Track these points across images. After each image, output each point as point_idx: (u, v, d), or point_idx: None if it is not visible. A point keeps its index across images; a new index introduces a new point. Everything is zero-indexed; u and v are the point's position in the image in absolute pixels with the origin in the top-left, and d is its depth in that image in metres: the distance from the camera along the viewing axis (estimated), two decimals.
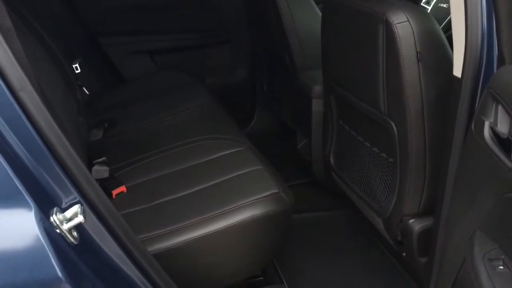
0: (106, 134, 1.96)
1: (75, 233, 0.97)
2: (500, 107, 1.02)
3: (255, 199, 1.45)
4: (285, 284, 1.69)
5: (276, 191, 1.49)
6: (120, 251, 1.08)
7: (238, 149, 1.72)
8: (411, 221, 1.51)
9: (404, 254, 1.63)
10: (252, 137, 1.93)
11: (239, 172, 1.58)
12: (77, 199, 1.00)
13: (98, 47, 2.55)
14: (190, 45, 2.65)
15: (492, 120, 1.04)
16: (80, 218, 0.96)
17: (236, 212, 1.43)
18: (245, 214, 1.42)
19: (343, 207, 2.05)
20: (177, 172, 1.66)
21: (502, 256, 0.94)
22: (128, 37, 2.58)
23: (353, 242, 1.89)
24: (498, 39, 1.12)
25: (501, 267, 0.92)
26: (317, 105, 1.96)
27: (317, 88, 1.96)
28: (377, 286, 1.68)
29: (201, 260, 1.42)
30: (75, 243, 0.96)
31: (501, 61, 1.12)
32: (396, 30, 1.35)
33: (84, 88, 2.23)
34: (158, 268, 1.19)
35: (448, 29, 1.36)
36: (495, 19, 1.13)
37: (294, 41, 2.14)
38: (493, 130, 1.03)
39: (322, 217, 2.05)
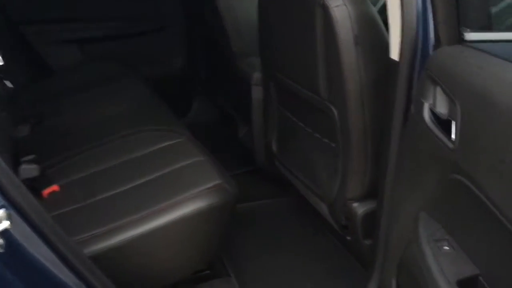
0: (34, 130, 1.83)
1: (0, 241, 0.88)
2: (438, 89, 1.03)
3: (198, 192, 1.40)
4: (232, 276, 1.65)
5: (219, 182, 1.44)
6: (52, 256, 1.01)
7: (177, 140, 1.66)
8: (355, 204, 1.51)
9: (349, 238, 1.64)
10: (191, 127, 1.87)
11: (180, 165, 1.52)
12: (1, 203, 0.91)
13: (21, 37, 2.39)
14: (122, 33, 2.53)
15: (431, 102, 1.05)
16: (5, 224, 0.88)
17: (178, 206, 1.37)
18: (188, 207, 1.37)
19: (287, 194, 2.04)
20: (114, 167, 1.58)
21: (447, 237, 0.95)
22: (54, 25, 2.43)
23: (298, 229, 1.89)
24: (434, 21, 1.12)
25: (446, 248, 0.93)
26: (257, 92, 1.93)
27: (257, 75, 1.93)
28: (324, 271, 1.68)
29: (144, 258, 1.35)
30: (1, 251, 0.88)
31: (438, 43, 1.12)
32: (333, 13, 1.33)
33: (7, 81, 2.07)
34: (95, 270, 1.12)
35: (384, 11, 1.36)
36: (431, 0, 1.13)
37: (230, 26, 2.09)
38: (432, 112, 1.04)
39: (266, 205, 2.03)
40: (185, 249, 1.42)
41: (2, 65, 2.06)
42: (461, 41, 1.09)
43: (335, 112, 1.47)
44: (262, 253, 1.77)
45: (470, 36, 1.10)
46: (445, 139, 0.94)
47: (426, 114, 1.04)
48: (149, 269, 1.38)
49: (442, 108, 1.00)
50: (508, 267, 0.79)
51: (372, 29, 1.39)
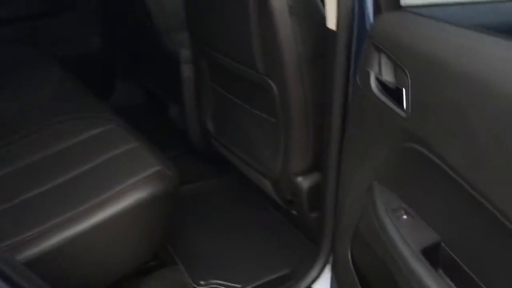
0: None
1: None
2: (383, 57, 1.01)
3: (137, 181, 1.31)
4: (179, 263, 1.59)
5: (159, 168, 1.36)
6: None
7: (106, 127, 1.55)
8: (299, 179, 1.49)
9: (294, 212, 1.62)
10: (116, 111, 1.75)
11: (113, 153, 1.42)
12: None
13: None
14: (30, 14, 2.32)
15: (377, 70, 1.03)
16: None
17: (117, 199, 1.28)
18: (127, 199, 1.28)
19: (226, 173, 1.99)
20: (39, 161, 1.44)
21: (404, 206, 0.95)
22: None
23: (242, 208, 1.85)
24: None
25: (405, 217, 0.93)
26: (187, 71, 1.83)
27: (185, 52, 1.83)
28: (272, 248, 1.66)
29: (85, 257, 1.25)
30: None
31: (378, 10, 1.10)
32: None
33: None
34: (30, 277, 1.02)
35: None
36: None
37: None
38: (379, 80, 1.02)
39: (206, 186, 1.97)
40: (129, 243, 1.34)
41: None
42: (400, 7, 1.08)
43: (274, 86, 1.43)
44: (208, 236, 1.71)
45: (407, 1, 1.09)
46: (395, 108, 0.93)
47: (373, 83, 1.02)
48: (92, 268, 1.28)
49: (389, 76, 0.98)
50: (470, 230, 0.80)
51: None
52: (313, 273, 1.49)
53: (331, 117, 1.33)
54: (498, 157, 0.70)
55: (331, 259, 1.48)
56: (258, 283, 1.55)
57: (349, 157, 1.14)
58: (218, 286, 1.55)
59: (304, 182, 1.49)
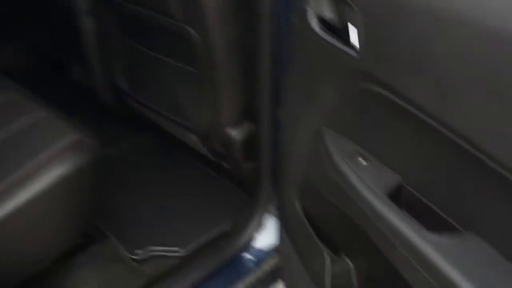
0: None
1: None
2: None
3: (55, 154, 1.15)
4: (111, 236, 1.47)
5: (77, 136, 1.21)
6: None
7: (5, 95, 1.34)
8: (231, 130, 1.42)
9: (227, 166, 1.56)
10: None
11: (21, 125, 1.23)
12: None
13: None
14: None
15: (317, 8, 0.95)
16: None
17: (32, 178, 1.11)
18: (46, 177, 1.12)
19: (144, 133, 1.86)
20: None
21: (359, 150, 0.91)
22: None
23: (169, 168, 1.74)
24: None
25: (363, 161, 0.89)
26: (89, 24, 1.63)
27: (83, 2, 1.62)
28: (207, 206, 1.60)
29: (7, 246, 1.10)
30: None
31: None
32: None
33: None
34: None
35: None
36: None
37: None
38: (320, 19, 0.95)
39: (124, 149, 1.83)
40: (51, 227, 1.19)
41: None
42: None
43: (194, 33, 1.31)
44: (136, 202, 1.60)
45: None
46: (346, 48, 0.86)
47: (313, 23, 0.95)
48: (17, 256, 1.13)
49: (333, 14, 0.92)
50: (437, 168, 0.78)
51: None
52: (254, 224, 1.46)
53: (260, 62, 1.26)
54: (470, 89, 0.67)
55: (271, 208, 1.45)
56: (198, 242, 1.49)
57: (293, 103, 1.08)
58: (157, 253, 1.47)
59: (236, 133, 1.42)
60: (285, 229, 1.25)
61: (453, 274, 0.71)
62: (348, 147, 0.92)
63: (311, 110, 0.99)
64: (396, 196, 0.84)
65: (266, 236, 1.45)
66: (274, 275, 1.48)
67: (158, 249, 1.47)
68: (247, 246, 1.44)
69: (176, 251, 1.47)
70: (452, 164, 0.75)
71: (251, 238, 1.44)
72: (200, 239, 1.50)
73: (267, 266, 1.45)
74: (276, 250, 1.42)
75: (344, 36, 0.89)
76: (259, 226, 1.45)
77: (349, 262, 1.05)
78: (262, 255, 1.43)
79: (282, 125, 1.21)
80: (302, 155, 1.08)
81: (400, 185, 0.84)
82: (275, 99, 1.27)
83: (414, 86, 0.75)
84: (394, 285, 0.91)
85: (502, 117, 0.64)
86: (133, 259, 1.44)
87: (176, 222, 1.54)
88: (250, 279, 1.42)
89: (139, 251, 1.46)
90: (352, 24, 0.85)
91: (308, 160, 1.06)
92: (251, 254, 1.43)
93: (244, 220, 1.47)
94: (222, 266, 1.40)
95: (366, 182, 0.85)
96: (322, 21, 0.94)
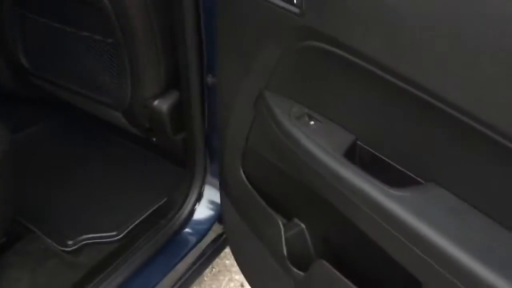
0: None
1: None
2: None
3: None
4: (37, 231, 1.34)
5: None
6: None
7: None
8: (156, 102, 1.33)
9: (154, 139, 1.47)
10: None
11: None
12: None
13: None
14: None
15: None
16: None
17: None
18: None
19: (57, 114, 1.70)
20: None
21: (306, 111, 0.88)
22: None
23: (91, 149, 1.61)
24: None
25: (312, 122, 0.86)
26: None
27: None
28: (140, 184, 1.51)
29: None
30: None
31: None
32: None
33: None
34: None
35: None
36: None
37: None
38: None
39: (37, 133, 1.66)
40: None
41: None
42: None
43: (107, 1, 1.18)
44: (59, 191, 1.47)
45: None
46: (285, 4, 0.81)
47: None
48: None
49: None
50: (388, 120, 0.77)
51: None
52: (193, 197, 1.40)
53: (184, 25, 1.17)
54: (427, 38, 0.65)
55: (209, 178, 1.40)
56: (134, 223, 1.40)
57: (228, 68, 1.01)
58: (90, 241, 1.36)
59: (162, 104, 1.33)
60: (228, 198, 1.20)
61: (420, 226, 0.71)
62: (295, 109, 0.89)
63: (250, 74, 0.94)
64: (352, 155, 0.82)
65: (207, 207, 1.40)
66: (219, 246, 1.45)
67: (91, 237, 1.37)
68: (188, 221, 1.38)
69: (111, 236, 1.37)
70: (409, 116, 0.74)
71: (190, 212, 1.39)
72: (136, 220, 1.41)
73: (211, 238, 1.41)
74: (219, 221, 1.38)
75: None
76: (198, 198, 1.39)
77: (303, 225, 1.03)
78: (205, 228, 1.39)
79: (214, 92, 1.15)
80: (242, 122, 1.03)
81: (354, 144, 0.83)
82: (203, 65, 1.20)
83: (364, 39, 0.72)
84: (353, 242, 0.91)
85: (461, 64, 0.63)
86: (65, 251, 1.33)
87: (107, 206, 1.44)
88: (194, 254, 1.37)
89: (70, 242, 1.35)
90: None
91: (249, 127, 1.01)
92: (192, 229, 1.38)
93: (181, 194, 1.40)
94: (164, 245, 1.34)
95: (320, 143, 0.82)
96: None
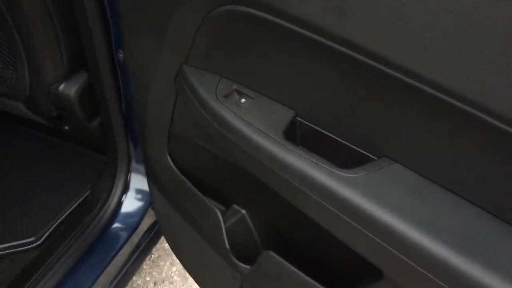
0: None
1: None
2: None
3: None
4: None
5: None
6: None
7: None
8: (62, 86, 1.15)
9: (66, 127, 1.30)
10: None
11: None
12: None
13: None
14: None
15: None
16: None
17: None
18: None
19: None
20: None
21: (235, 87, 0.76)
22: None
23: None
24: None
25: (244, 100, 0.74)
26: None
27: None
28: (58, 177, 1.34)
29: None
30: None
31: None
32: None
33: None
34: None
35: None
36: None
37: None
38: None
39: None
40: None
41: None
42: None
43: None
44: None
45: None
46: None
47: None
48: None
49: None
50: (331, 89, 0.67)
51: None
52: (118, 188, 1.26)
53: (84, 5, 1.00)
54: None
55: (134, 165, 1.26)
56: (54, 225, 1.25)
57: (136, 42, 0.86)
58: (6, 251, 1.20)
59: (69, 88, 1.16)
60: (157, 187, 1.08)
61: (376, 210, 0.62)
62: (222, 86, 0.76)
63: (165, 47, 0.80)
64: (292, 134, 0.72)
65: (135, 198, 1.26)
66: (156, 234, 1.33)
67: (7, 246, 1.20)
68: (116, 215, 1.24)
69: (28, 243, 1.21)
70: (354, 84, 0.64)
71: (118, 205, 1.25)
72: (56, 220, 1.26)
73: (145, 227, 1.28)
74: (152, 208, 1.25)
75: None
76: (124, 189, 1.25)
77: (243, 211, 0.93)
78: (135, 220, 1.25)
79: (127, 71, 1.00)
80: (162, 102, 0.89)
81: (294, 120, 0.72)
82: (110, 39, 1.04)
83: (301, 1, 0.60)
84: (303, 227, 0.82)
85: (409, 21, 0.54)
86: None
87: (19, 208, 1.27)
88: (127, 249, 1.24)
89: None
90: None
91: (172, 107, 0.88)
92: (122, 223, 1.25)
93: (105, 187, 1.26)
94: (91, 245, 1.20)
95: (254, 123, 0.70)
96: None
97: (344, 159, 0.67)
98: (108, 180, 1.25)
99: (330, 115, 0.69)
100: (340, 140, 0.69)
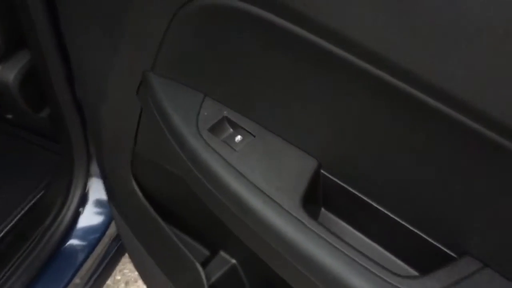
0: None
1: None
2: None
3: None
4: None
5: None
6: None
7: None
8: None
9: (9, 116, 1.03)
10: None
11: None
12: None
13: None
14: None
15: None
16: None
17: None
18: None
19: None
20: None
21: (225, 113, 0.49)
22: None
23: None
24: None
25: (239, 138, 0.48)
26: None
27: None
28: (7, 176, 1.07)
29: None
30: None
31: None
32: None
33: None
34: None
35: None
36: None
37: None
38: None
39: None
40: None
41: None
42: None
43: None
44: None
45: None
46: None
47: None
48: None
49: None
50: (371, 130, 0.41)
51: None
52: (75, 196, 1.01)
53: None
54: None
55: (95, 168, 1.00)
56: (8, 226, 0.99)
57: (87, 42, 0.59)
58: None
59: (7, 72, 0.88)
60: (119, 213, 0.83)
61: None
62: (206, 111, 0.50)
63: (123, 49, 0.53)
64: (312, 192, 0.46)
65: (95, 209, 1.01)
66: (117, 252, 1.08)
67: None
68: (71, 230, 1.00)
69: None
70: (411, 131, 0.38)
71: (74, 217, 1.00)
72: (9, 222, 1.00)
73: (105, 246, 1.04)
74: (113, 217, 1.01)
75: None
76: (82, 198, 1.00)
77: (233, 260, 0.69)
78: (95, 237, 1.01)
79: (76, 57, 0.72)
80: (122, 118, 0.63)
81: (317, 174, 0.46)
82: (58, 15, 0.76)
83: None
84: None
85: None
86: None
87: None
88: (84, 272, 1.00)
89: None
90: None
91: (136, 125, 0.61)
92: (79, 238, 1.00)
93: (59, 193, 1.00)
94: (41, 269, 0.96)
95: (257, 181, 0.45)
96: None
97: (386, 235, 0.43)
98: (63, 186, 1.00)
99: (374, 170, 0.43)
100: (380, 207, 0.44)
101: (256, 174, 0.45)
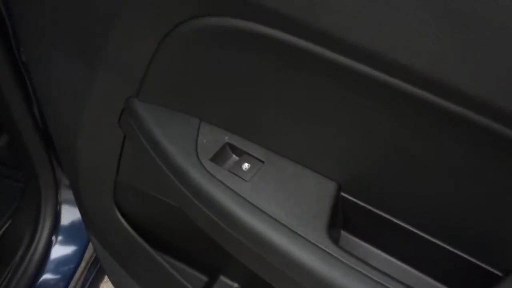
0: None
1: None
2: None
3: None
4: None
5: None
6: None
7: None
8: None
9: None
10: None
11: None
12: None
13: None
14: None
15: None
16: None
17: None
18: None
19: None
20: None
21: (226, 139, 0.44)
22: None
23: None
24: None
25: (247, 166, 0.43)
26: None
27: None
28: None
29: None
30: None
31: None
32: None
33: None
34: None
35: None
36: None
37: None
38: None
39: None
40: None
41: None
42: None
43: None
44: None
45: None
46: None
47: None
48: None
49: None
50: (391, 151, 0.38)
51: None
52: (45, 225, 0.93)
53: None
54: None
55: (65, 192, 0.93)
56: None
57: (56, 63, 0.52)
58: None
59: None
60: (101, 243, 0.76)
61: None
62: (205, 138, 0.45)
63: (101, 72, 0.47)
64: (336, 220, 0.43)
65: (68, 237, 0.94)
66: (95, 278, 1.01)
67: None
68: (43, 264, 0.92)
69: None
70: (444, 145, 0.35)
71: (46, 248, 0.92)
72: None
73: (81, 272, 0.96)
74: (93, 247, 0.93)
75: None
76: (53, 226, 0.92)
77: (236, 285, 0.65)
78: (70, 268, 0.93)
79: (43, 87, 0.65)
80: (101, 149, 0.57)
81: (337, 197, 0.43)
82: (9, 36, 0.67)
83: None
84: None
85: None
86: None
87: None
88: None
89: None
90: None
91: (118, 156, 0.56)
92: (53, 272, 0.93)
93: (26, 224, 0.92)
94: None
95: (276, 212, 0.41)
96: None
97: (411, 254, 0.40)
98: (31, 216, 0.92)
99: (399, 190, 0.40)
100: (423, 234, 0.41)
101: (273, 206, 0.41)
